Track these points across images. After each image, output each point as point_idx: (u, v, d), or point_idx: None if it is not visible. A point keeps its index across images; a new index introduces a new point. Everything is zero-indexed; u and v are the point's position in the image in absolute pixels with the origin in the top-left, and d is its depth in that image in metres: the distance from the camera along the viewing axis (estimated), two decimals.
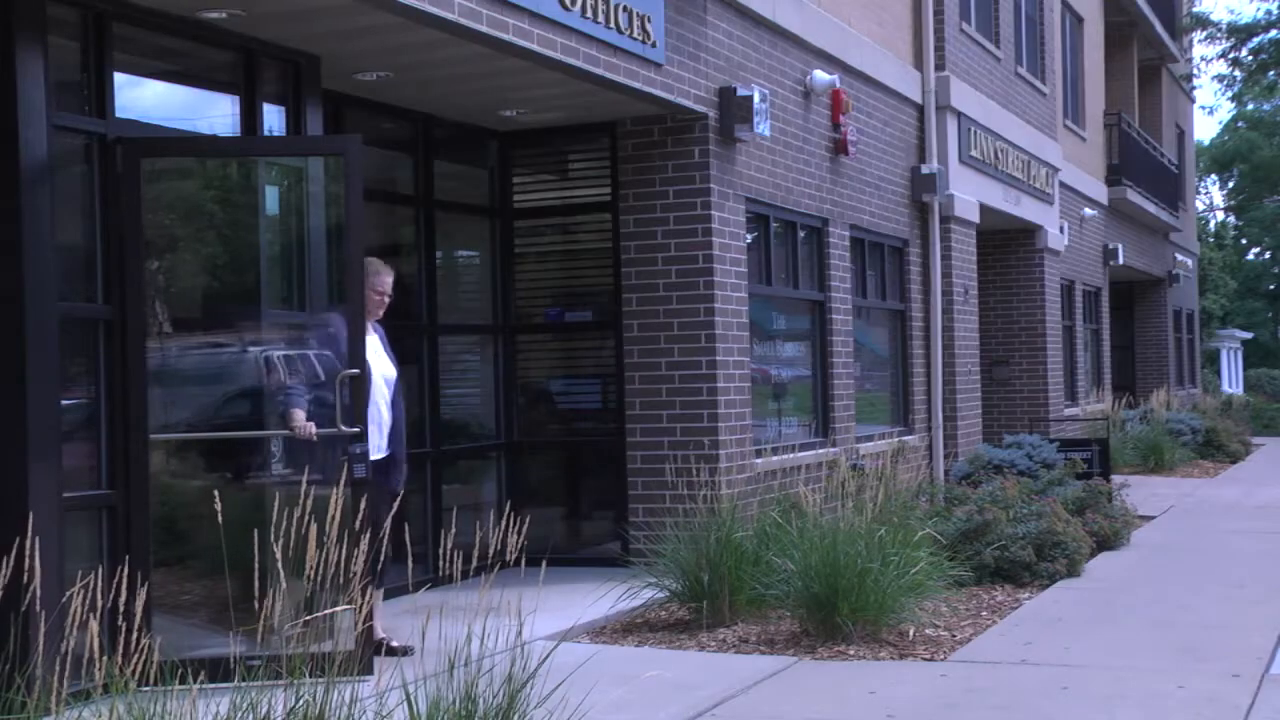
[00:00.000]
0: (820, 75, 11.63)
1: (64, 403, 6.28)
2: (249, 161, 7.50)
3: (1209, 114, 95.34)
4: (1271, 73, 30.57)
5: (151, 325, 6.76)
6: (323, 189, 7.47)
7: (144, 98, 7.11)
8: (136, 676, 4.33)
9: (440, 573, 5.08)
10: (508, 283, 10.61)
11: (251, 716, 4.52)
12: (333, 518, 4.64)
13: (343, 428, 6.79)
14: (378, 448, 7.15)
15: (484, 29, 7.50)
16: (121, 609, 4.37)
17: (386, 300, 7.39)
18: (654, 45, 9.12)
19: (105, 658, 4.34)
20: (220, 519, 4.70)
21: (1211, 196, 60.97)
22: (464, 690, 4.79)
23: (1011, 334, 18.30)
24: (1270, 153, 54.65)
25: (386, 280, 7.40)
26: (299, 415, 6.84)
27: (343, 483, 5.01)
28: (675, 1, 9.51)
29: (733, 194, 10.16)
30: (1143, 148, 25.70)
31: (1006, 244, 18.20)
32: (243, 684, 4.53)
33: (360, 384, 6.88)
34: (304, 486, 4.75)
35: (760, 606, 8.26)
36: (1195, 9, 32.03)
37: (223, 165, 7.61)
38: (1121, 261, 23.54)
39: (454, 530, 5.06)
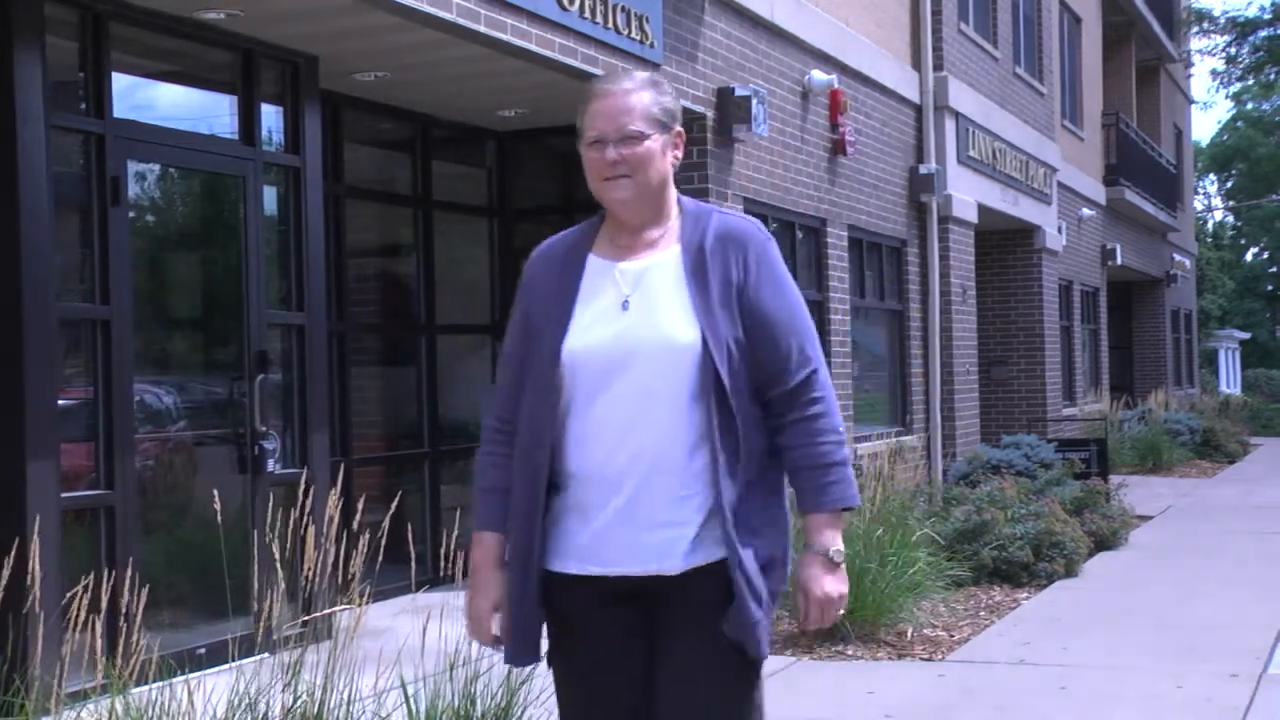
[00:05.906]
0: (818, 75, 11.63)
1: (62, 403, 6.27)
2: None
3: (1204, 109, 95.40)
4: (1271, 71, 30.54)
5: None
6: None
7: (143, 98, 7.11)
8: (134, 676, 4.33)
9: (440, 573, 5.08)
10: (507, 283, 10.61)
11: (250, 715, 4.52)
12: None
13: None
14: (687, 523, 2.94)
15: (482, 29, 7.50)
16: (123, 610, 4.37)
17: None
18: (652, 45, 9.12)
19: (104, 658, 4.34)
20: None
21: (1210, 196, 61.05)
22: (463, 690, 4.79)
23: (1009, 334, 18.30)
24: (1269, 150, 54.68)
25: None
26: None
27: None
28: (673, 1, 9.52)
29: (730, 194, 10.15)
30: (1141, 148, 25.70)
31: (1004, 244, 18.20)
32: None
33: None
34: None
35: None
36: (1194, 5, 32.00)
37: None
38: (1119, 261, 23.55)
39: (453, 530, 5.06)
